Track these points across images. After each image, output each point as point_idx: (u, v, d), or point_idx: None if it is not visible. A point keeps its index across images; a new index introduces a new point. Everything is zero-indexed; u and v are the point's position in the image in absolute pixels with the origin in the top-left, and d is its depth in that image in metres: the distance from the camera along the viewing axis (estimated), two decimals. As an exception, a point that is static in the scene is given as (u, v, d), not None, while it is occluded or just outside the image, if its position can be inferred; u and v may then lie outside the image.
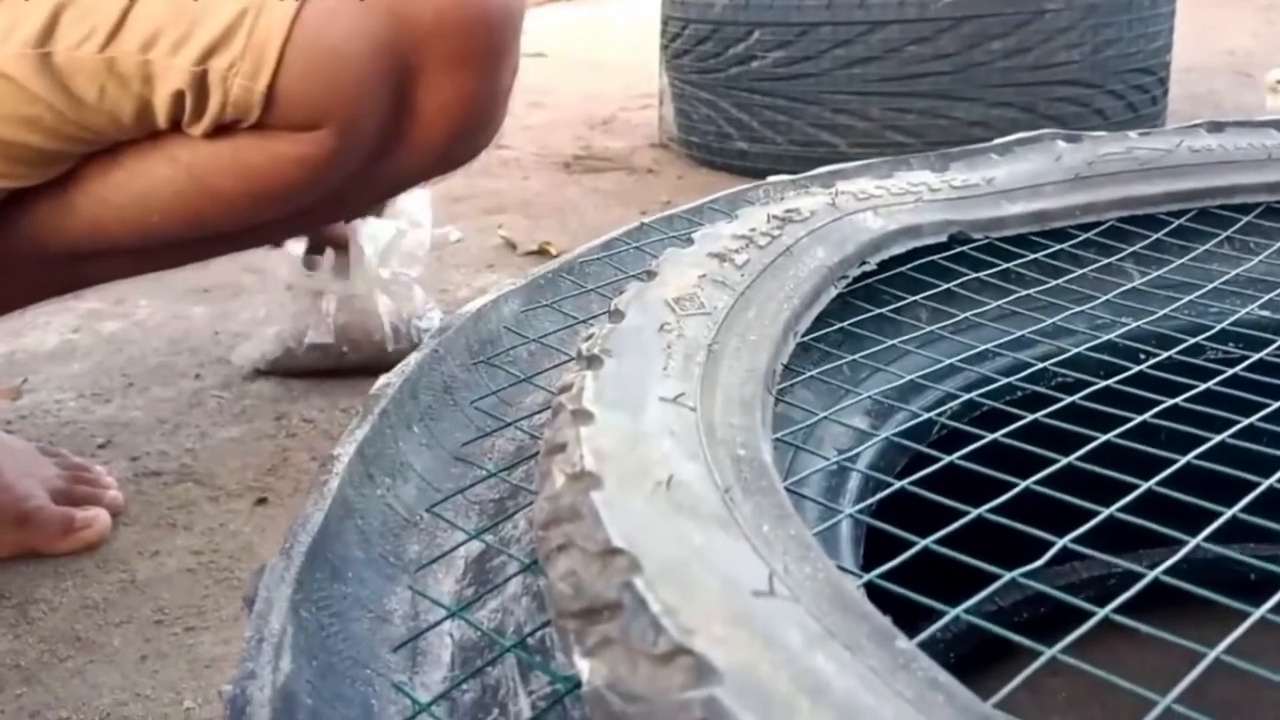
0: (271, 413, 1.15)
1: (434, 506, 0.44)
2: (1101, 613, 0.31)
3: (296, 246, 1.20)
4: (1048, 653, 0.29)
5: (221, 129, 0.74)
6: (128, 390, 1.22)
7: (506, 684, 0.34)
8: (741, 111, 1.91)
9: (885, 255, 0.56)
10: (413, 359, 0.50)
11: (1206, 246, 0.65)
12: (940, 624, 0.30)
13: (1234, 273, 0.62)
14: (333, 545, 0.39)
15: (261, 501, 0.99)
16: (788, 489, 0.35)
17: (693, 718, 0.23)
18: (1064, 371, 0.52)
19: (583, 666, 0.26)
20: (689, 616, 0.26)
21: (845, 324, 0.54)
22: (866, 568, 0.36)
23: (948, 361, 0.53)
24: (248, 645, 0.32)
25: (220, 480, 1.02)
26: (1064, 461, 0.40)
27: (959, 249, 0.61)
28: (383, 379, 0.48)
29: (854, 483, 0.45)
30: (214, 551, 0.91)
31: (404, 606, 0.39)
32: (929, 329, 0.56)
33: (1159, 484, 0.38)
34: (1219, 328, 0.56)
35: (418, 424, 0.48)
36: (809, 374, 0.51)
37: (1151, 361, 0.51)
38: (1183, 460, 0.40)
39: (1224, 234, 0.66)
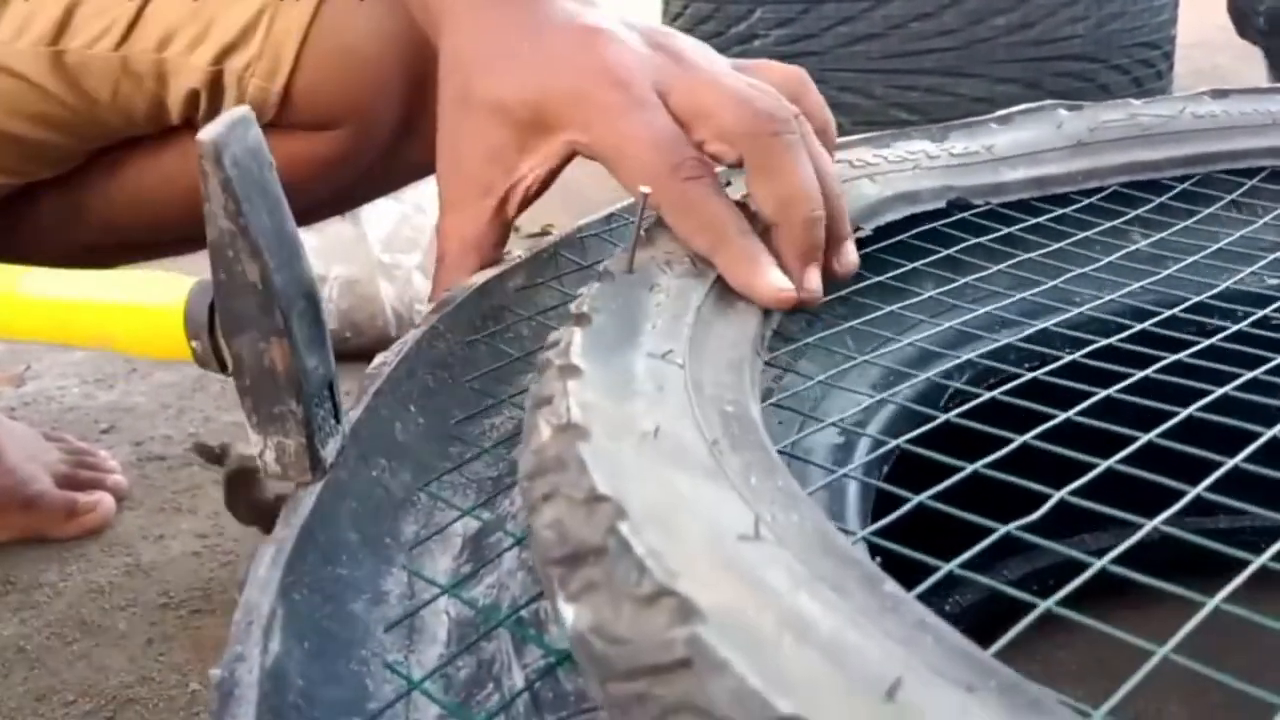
0: (275, 397, 1.15)
1: (429, 485, 0.43)
2: (1115, 595, 0.30)
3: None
4: (1042, 605, 0.28)
5: None
6: (130, 376, 1.22)
7: (501, 659, 0.34)
8: (744, 91, 1.89)
9: (882, 221, 0.55)
10: (410, 336, 0.49)
11: (1210, 210, 0.64)
12: (934, 579, 0.30)
13: (1238, 235, 0.61)
14: (325, 527, 0.38)
15: (266, 485, 0.99)
16: (790, 455, 0.35)
17: (675, 657, 0.23)
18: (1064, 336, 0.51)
19: (566, 611, 0.26)
20: (674, 559, 0.26)
21: (845, 291, 0.53)
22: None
23: (950, 330, 0.53)
24: (236, 628, 0.32)
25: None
26: (1079, 457, 0.39)
27: (960, 215, 0.60)
28: (379, 357, 0.47)
29: (861, 447, 0.45)
30: (219, 535, 0.92)
31: (399, 587, 0.39)
32: (928, 296, 0.55)
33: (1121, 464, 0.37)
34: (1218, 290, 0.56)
35: (414, 403, 0.47)
36: (809, 341, 0.50)
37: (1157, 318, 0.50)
38: (1145, 438, 0.39)
39: (1229, 198, 0.66)
